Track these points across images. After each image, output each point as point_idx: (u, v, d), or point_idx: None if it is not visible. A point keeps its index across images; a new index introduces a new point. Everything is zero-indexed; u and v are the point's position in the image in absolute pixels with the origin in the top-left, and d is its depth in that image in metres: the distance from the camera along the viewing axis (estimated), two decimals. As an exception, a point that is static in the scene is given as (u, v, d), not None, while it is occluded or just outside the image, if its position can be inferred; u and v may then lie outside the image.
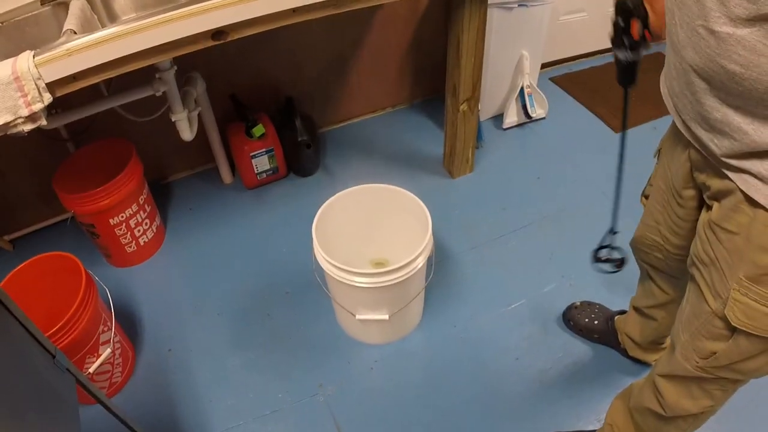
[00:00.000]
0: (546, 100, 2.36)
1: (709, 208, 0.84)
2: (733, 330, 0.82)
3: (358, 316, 1.50)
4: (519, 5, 2.06)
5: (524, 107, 2.32)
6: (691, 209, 0.95)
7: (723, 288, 0.81)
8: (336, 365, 1.60)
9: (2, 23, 1.48)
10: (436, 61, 2.45)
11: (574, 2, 2.45)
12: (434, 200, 2.03)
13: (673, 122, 0.89)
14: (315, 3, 1.35)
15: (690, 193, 0.93)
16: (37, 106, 1.19)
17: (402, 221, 1.62)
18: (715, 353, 0.87)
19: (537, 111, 2.35)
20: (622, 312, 1.54)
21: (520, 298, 1.72)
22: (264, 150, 2.07)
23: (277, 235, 2.00)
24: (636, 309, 1.39)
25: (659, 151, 1.04)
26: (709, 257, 0.84)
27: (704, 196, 0.86)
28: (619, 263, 1.31)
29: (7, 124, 1.19)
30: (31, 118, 1.21)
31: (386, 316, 1.49)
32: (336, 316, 1.70)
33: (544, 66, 2.64)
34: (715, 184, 0.80)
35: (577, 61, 2.76)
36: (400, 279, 1.38)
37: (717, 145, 0.74)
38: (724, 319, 0.82)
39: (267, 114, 2.15)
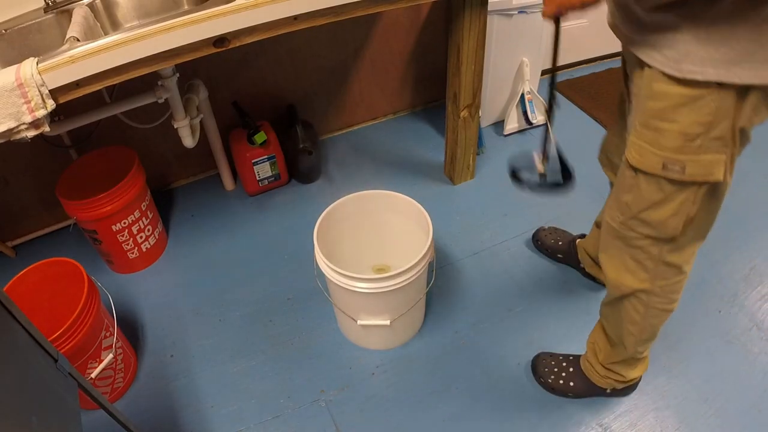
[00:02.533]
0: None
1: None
2: (635, 172, 0.99)
3: (359, 322, 1.50)
4: (519, 12, 2.07)
5: (525, 113, 2.32)
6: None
7: (628, 140, 1.00)
8: (337, 371, 1.60)
9: (6, 30, 1.49)
10: (436, 68, 2.47)
11: (574, 9, 2.46)
12: (435, 206, 2.05)
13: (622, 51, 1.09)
14: (316, 11, 1.36)
15: (628, 85, 1.10)
16: (41, 113, 1.19)
17: (403, 227, 1.63)
18: (627, 203, 1.03)
19: (538, 117, 2.36)
20: (583, 235, 1.76)
21: (521, 303, 1.72)
22: (266, 157, 2.08)
23: (279, 242, 2.00)
24: (597, 224, 1.58)
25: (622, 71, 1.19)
26: (629, 125, 1.03)
27: (629, 88, 1.05)
28: (565, 177, 1.45)
29: (10, 131, 1.20)
30: (35, 124, 1.22)
31: (388, 322, 1.49)
32: (337, 322, 1.70)
33: (544, 72, 2.65)
34: (632, 69, 1.00)
35: (577, 67, 2.77)
36: (402, 284, 1.38)
37: (630, 32, 0.95)
38: (630, 166, 0.99)
39: (269, 121, 2.16)
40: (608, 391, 1.44)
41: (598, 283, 1.73)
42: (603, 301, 1.30)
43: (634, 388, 1.46)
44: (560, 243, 1.81)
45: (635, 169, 0.98)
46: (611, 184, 1.40)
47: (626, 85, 1.12)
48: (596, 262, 1.63)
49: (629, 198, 1.03)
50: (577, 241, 1.76)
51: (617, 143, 1.27)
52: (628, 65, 1.05)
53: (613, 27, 1.03)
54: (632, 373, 1.38)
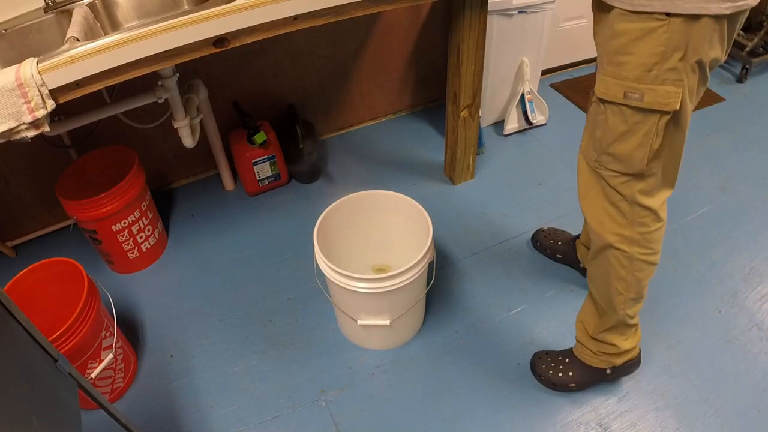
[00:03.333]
0: (547, 107, 2.37)
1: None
2: (603, 104, 1.07)
3: (359, 322, 1.50)
4: (519, 12, 2.07)
5: (525, 113, 2.32)
6: None
7: (597, 79, 1.09)
8: (337, 371, 1.60)
9: (6, 30, 1.49)
10: (436, 68, 2.47)
11: (573, 9, 2.46)
12: (435, 206, 2.05)
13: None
14: (316, 11, 1.36)
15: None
16: (41, 113, 1.19)
17: (403, 227, 1.63)
18: (599, 138, 1.11)
19: (538, 117, 2.36)
20: (580, 236, 1.77)
21: (521, 303, 1.72)
22: (266, 157, 2.08)
23: (279, 242, 2.00)
24: None
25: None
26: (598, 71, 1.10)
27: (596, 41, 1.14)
28: None
29: (10, 131, 1.20)
30: (35, 124, 1.22)
31: (387, 322, 1.49)
32: (337, 322, 1.71)
33: (544, 72, 2.65)
34: (596, 17, 1.11)
35: (577, 67, 2.78)
36: (402, 284, 1.38)
37: None
38: (598, 100, 1.08)
39: (269, 121, 2.16)
40: (608, 372, 1.44)
41: None
42: (588, 259, 1.32)
43: (637, 365, 1.46)
44: (559, 243, 1.82)
45: (602, 101, 1.07)
46: None
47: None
48: None
49: (599, 133, 1.11)
50: (577, 241, 1.77)
51: None
52: (595, 22, 1.14)
53: None
54: (626, 343, 1.38)
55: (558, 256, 1.82)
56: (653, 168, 1.08)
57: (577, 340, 1.46)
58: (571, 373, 1.47)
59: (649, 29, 0.94)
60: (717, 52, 0.95)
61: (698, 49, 0.93)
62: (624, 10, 0.96)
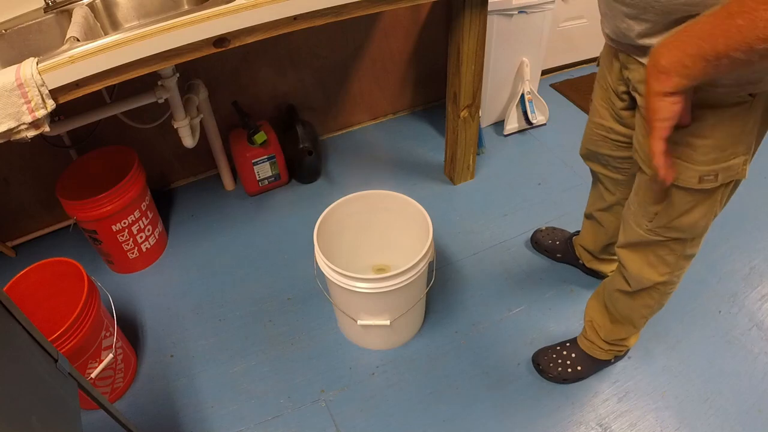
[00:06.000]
0: (547, 107, 2.37)
1: (636, 102, 1.04)
2: (670, 186, 0.99)
3: (359, 322, 1.50)
4: (519, 12, 2.07)
5: (525, 113, 2.32)
6: (627, 101, 1.14)
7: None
8: (337, 371, 1.60)
9: (6, 30, 1.49)
10: (437, 68, 2.47)
11: (573, 9, 2.46)
12: (435, 206, 2.05)
13: (606, 36, 1.08)
14: (316, 11, 1.36)
15: (623, 88, 1.11)
16: (41, 113, 1.19)
17: (403, 227, 1.63)
18: (657, 213, 1.05)
19: (538, 117, 2.36)
20: (578, 232, 1.76)
21: (521, 303, 1.72)
22: (266, 157, 2.08)
23: (279, 242, 2.00)
24: (587, 216, 1.60)
25: (599, 60, 1.23)
26: (643, 137, 1.01)
27: (630, 91, 1.06)
28: None
29: (10, 131, 1.20)
30: (35, 124, 1.22)
31: (387, 322, 1.49)
32: (337, 322, 1.70)
33: (544, 72, 2.65)
34: (635, 73, 1.00)
35: (577, 67, 2.78)
36: (402, 284, 1.38)
37: (635, 32, 0.93)
38: (657, 180, 0.97)
39: (269, 121, 2.16)
40: (612, 361, 1.52)
41: (600, 277, 1.74)
42: (617, 288, 1.30)
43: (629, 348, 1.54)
44: (558, 243, 1.83)
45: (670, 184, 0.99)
46: (596, 176, 1.45)
47: (618, 84, 1.13)
48: (595, 257, 1.68)
49: (658, 209, 1.04)
50: (574, 238, 1.78)
51: (602, 134, 1.29)
52: (632, 71, 1.02)
53: (611, 39, 1.04)
54: (633, 340, 1.46)
55: (558, 255, 1.83)
56: (709, 224, 1.05)
57: (586, 338, 1.48)
58: (579, 368, 1.49)
59: (731, 113, 0.87)
60: None
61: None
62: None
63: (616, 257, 1.57)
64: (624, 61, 1.04)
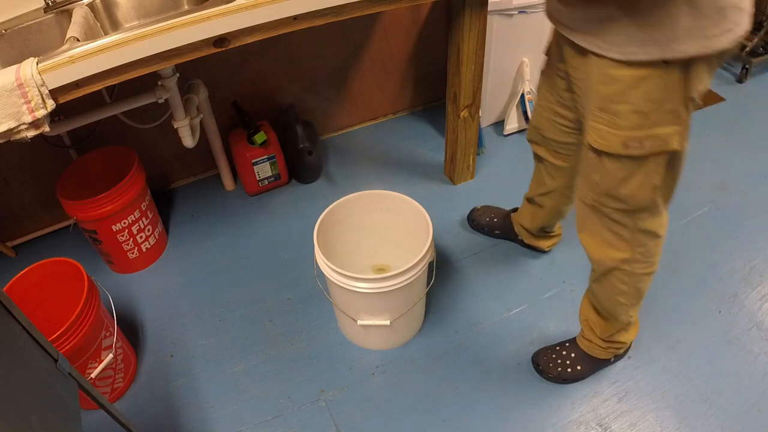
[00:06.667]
0: (546, 107, 2.36)
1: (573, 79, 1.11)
2: (599, 154, 1.04)
3: (359, 322, 1.50)
4: (519, 12, 2.07)
5: (525, 113, 2.32)
6: (566, 81, 1.18)
7: (586, 124, 1.05)
8: (337, 371, 1.60)
9: (6, 30, 1.49)
10: (437, 68, 2.47)
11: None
12: (435, 206, 2.05)
13: (552, 29, 1.15)
14: (316, 11, 1.36)
15: (564, 66, 1.15)
16: (41, 113, 1.20)
17: (403, 227, 1.63)
18: (596, 182, 1.09)
19: (538, 117, 2.36)
20: (515, 209, 1.83)
21: (521, 303, 1.72)
22: (266, 157, 2.08)
23: (279, 242, 2.00)
24: (528, 200, 1.68)
25: (548, 49, 1.25)
26: (581, 108, 1.09)
27: (568, 71, 1.11)
28: None
29: (10, 131, 1.20)
30: (35, 124, 1.22)
31: (387, 322, 1.49)
32: (337, 322, 1.70)
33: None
34: (572, 55, 1.06)
35: (577, 67, 2.77)
36: (402, 284, 1.38)
37: (569, 21, 1.01)
38: (592, 149, 1.05)
39: (269, 121, 2.16)
40: (612, 360, 1.52)
41: (538, 251, 1.84)
42: (591, 278, 1.35)
43: (629, 348, 1.54)
44: (495, 219, 1.89)
45: (598, 152, 1.04)
46: (541, 161, 1.50)
47: (557, 65, 1.19)
48: (532, 234, 1.77)
49: (597, 177, 1.09)
50: (512, 216, 1.84)
51: (549, 118, 1.32)
52: (565, 50, 1.10)
53: (549, 15, 1.11)
54: (629, 337, 1.46)
55: (496, 231, 1.89)
56: (655, 199, 1.07)
57: (584, 337, 1.48)
58: (579, 368, 1.49)
59: (644, 76, 0.91)
60: (707, 82, 0.94)
61: (694, 87, 0.92)
62: (614, 61, 0.92)
63: (552, 233, 1.79)
64: (566, 42, 1.08)
